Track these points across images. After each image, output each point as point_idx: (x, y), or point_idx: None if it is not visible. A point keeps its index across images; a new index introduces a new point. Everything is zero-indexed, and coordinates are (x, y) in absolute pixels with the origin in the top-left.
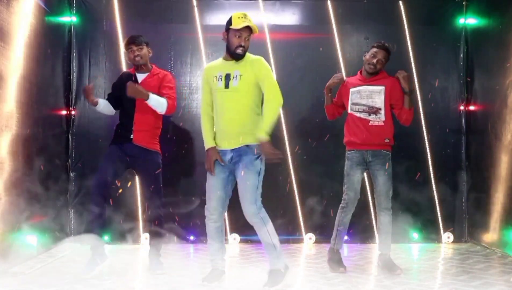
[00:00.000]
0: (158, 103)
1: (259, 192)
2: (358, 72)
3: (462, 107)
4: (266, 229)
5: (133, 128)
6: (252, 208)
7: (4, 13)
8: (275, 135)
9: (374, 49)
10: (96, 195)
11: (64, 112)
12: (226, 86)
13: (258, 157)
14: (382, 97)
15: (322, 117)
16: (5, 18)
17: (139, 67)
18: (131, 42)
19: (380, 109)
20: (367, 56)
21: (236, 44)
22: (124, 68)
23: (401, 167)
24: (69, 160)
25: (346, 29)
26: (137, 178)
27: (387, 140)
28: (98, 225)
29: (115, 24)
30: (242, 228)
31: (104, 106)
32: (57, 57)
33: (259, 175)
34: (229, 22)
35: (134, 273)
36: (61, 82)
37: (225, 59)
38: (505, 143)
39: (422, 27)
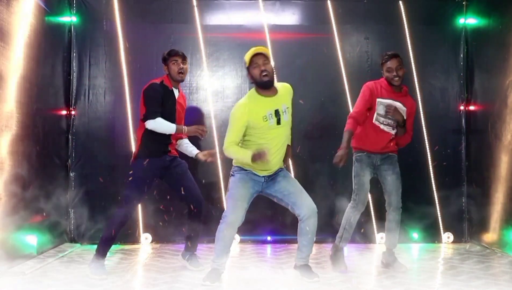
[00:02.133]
0: None
1: None
2: (379, 82)
3: (462, 107)
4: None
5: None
6: (314, 203)
7: (4, 13)
8: None
9: (388, 63)
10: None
11: (64, 112)
12: (278, 122)
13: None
14: (405, 116)
15: (322, 117)
16: (5, 18)
17: (176, 83)
18: (175, 54)
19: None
20: (385, 73)
21: (258, 74)
22: (124, 68)
23: (401, 167)
24: (69, 160)
25: (346, 29)
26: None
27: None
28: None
29: (115, 24)
30: (242, 228)
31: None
32: (57, 57)
33: None
34: (244, 63)
35: (134, 273)
36: (61, 82)
37: (261, 94)
38: (505, 143)
39: (422, 27)
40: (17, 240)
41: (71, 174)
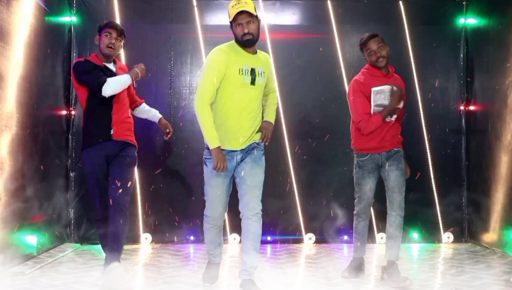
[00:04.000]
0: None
1: None
2: (366, 70)
3: (462, 107)
4: (260, 229)
5: (112, 122)
6: (259, 205)
7: (4, 13)
8: (275, 135)
9: (367, 45)
10: (102, 220)
11: (64, 112)
12: (252, 82)
13: (263, 154)
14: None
15: (322, 117)
16: (5, 18)
17: (108, 58)
18: (112, 26)
19: (399, 108)
20: (367, 56)
21: (240, 34)
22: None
23: None
24: (69, 160)
25: (346, 29)
26: (137, 178)
27: (400, 136)
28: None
29: None
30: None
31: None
32: (57, 57)
33: (264, 173)
34: (229, 16)
35: (134, 273)
36: (61, 82)
37: (241, 48)
38: (505, 143)
39: (422, 27)
40: (17, 240)
41: (71, 174)
